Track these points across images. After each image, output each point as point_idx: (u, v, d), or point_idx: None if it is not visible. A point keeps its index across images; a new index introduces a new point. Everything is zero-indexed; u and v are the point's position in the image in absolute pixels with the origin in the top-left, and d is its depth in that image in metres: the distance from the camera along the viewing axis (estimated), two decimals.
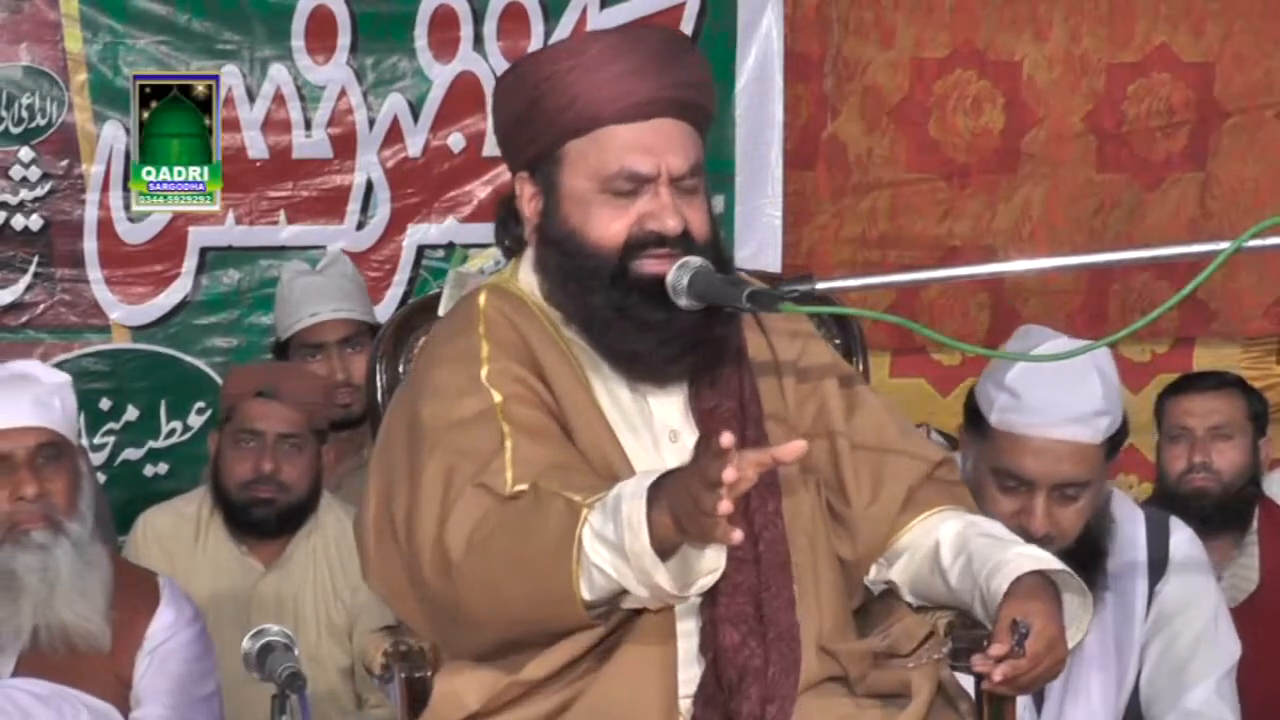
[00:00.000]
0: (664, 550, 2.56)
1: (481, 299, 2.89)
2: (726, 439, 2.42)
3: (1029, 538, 3.45)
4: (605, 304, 2.79)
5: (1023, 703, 3.58)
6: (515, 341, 2.84)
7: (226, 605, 4.41)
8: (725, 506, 2.42)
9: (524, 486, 2.67)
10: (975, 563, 2.80)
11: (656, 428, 2.85)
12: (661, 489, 2.55)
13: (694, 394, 2.85)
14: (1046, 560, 2.80)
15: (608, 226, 2.77)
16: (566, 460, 2.74)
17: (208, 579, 4.48)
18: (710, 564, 2.60)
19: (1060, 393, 3.54)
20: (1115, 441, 3.63)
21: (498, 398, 2.77)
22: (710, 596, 2.73)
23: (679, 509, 2.51)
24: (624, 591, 2.62)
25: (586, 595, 2.62)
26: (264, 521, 4.51)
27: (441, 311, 3.17)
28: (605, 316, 2.80)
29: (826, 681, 2.79)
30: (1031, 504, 3.55)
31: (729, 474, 2.41)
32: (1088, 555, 3.56)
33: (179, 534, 4.57)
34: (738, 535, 2.45)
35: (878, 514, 2.88)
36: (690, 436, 2.79)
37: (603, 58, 2.79)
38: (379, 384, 3.22)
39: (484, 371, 2.80)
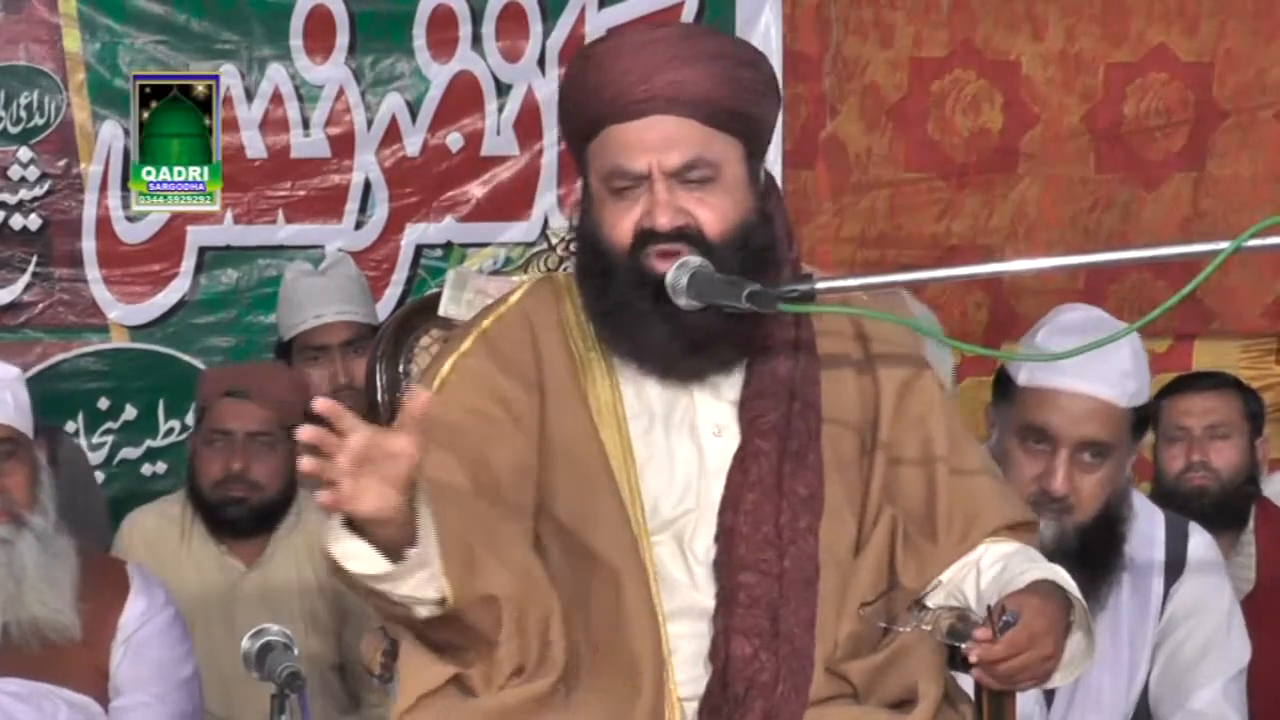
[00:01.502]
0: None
1: (521, 290, 2.94)
2: (320, 404, 2.42)
3: (1049, 500, 3.48)
4: (614, 300, 2.80)
5: (1033, 698, 3.58)
6: (516, 338, 2.86)
7: (211, 605, 4.43)
8: (305, 465, 2.41)
9: None
10: (1006, 573, 2.82)
11: (698, 422, 2.84)
12: None
13: (744, 396, 2.84)
14: (1071, 586, 2.80)
15: (616, 225, 2.78)
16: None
17: (192, 579, 4.49)
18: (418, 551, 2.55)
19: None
20: (1140, 416, 3.64)
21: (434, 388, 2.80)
22: (727, 605, 2.74)
23: None
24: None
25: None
26: (238, 520, 4.53)
27: (441, 311, 3.19)
28: (611, 311, 2.81)
29: (833, 698, 2.78)
30: (1054, 463, 3.55)
31: (304, 432, 2.40)
32: (1105, 537, 3.57)
33: (164, 534, 4.58)
34: (326, 497, 2.43)
35: (962, 553, 2.88)
36: (734, 434, 2.82)
37: (605, 60, 2.80)
38: (379, 384, 3.22)
39: (447, 364, 2.84)
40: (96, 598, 3.67)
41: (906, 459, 2.88)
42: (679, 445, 2.83)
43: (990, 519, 2.90)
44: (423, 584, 2.56)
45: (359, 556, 2.51)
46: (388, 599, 2.57)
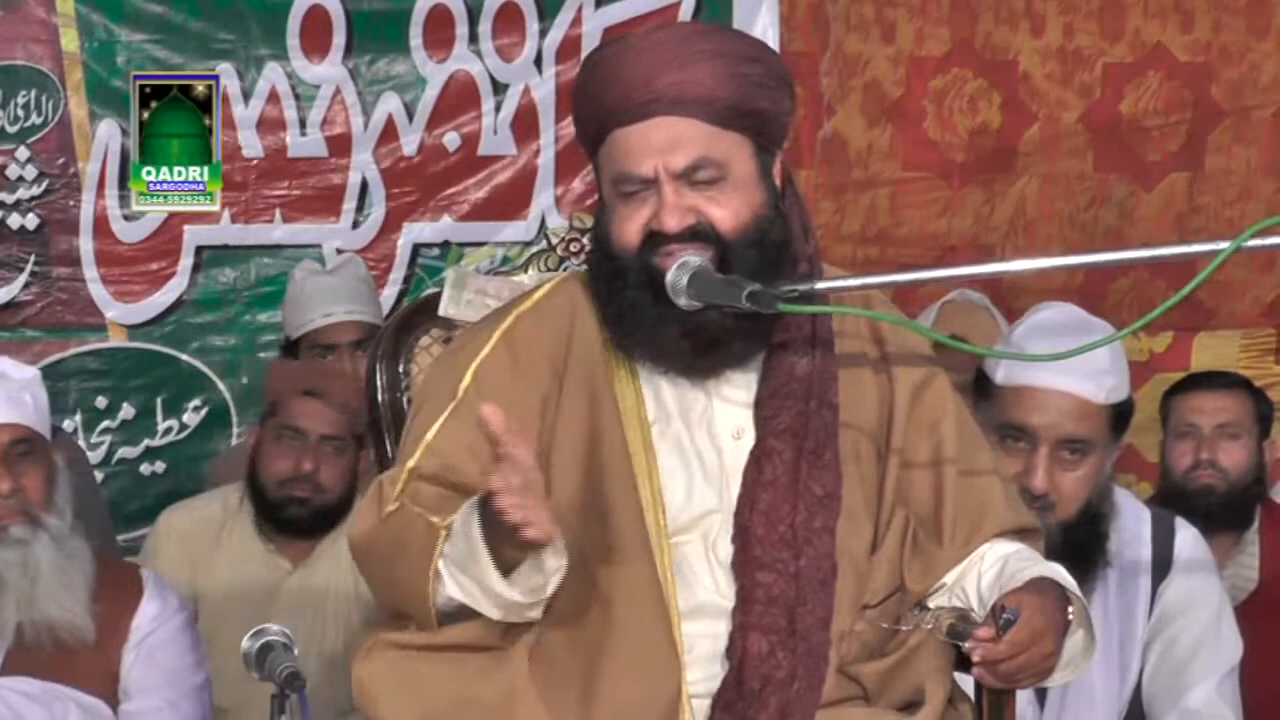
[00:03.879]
0: (506, 566, 2.64)
1: (548, 286, 2.94)
2: (489, 413, 2.55)
3: (1030, 498, 3.48)
4: (624, 301, 2.79)
5: (1025, 698, 3.59)
6: (538, 334, 2.86)
7: (247, 603, 4.41)
8: (497, 482, 2.52)
9: (394, 507, 2.74)
10: (1005, 572, 2.82)
11: (717, 425, 2.84)
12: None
13: (759, 396, 2.84)
14: (1070, 583, 2.81)
15: (625, 228, 2.78)
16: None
17: (227, 576, 4.47)
18: (551, 564, 2.65)
19: (1067, 346, 3.54)
20: (1120, 414, 3.64)
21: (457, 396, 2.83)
22: (743, 603, 2.75)
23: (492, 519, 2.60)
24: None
25: (442, 609, 2.71)
26: (297, 520, 4.49)
27: (441, 311, 3.19)
28: (622, 312, 2.80)
29: (845, 700, 2.79)
30: (1034, 461, 3.55)
31: (495, 423, 2.53)
32: (1088, 535, 3.58)
33: (200, 531, 4.55)
34: (536, 532, 2.54)
35: (965, 556, 2.88)
36: (753, 437, 2.82)
37: (609, 65, 2.80)
38: (379, 384, 3.22)
39: (469, 373, 2.84)
40: (109, 601, 3.67)
41: (918, 463, 2.88)
42: (699, 445, 2.83)
43: (994, 524, 2.90)
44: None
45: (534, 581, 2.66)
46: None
